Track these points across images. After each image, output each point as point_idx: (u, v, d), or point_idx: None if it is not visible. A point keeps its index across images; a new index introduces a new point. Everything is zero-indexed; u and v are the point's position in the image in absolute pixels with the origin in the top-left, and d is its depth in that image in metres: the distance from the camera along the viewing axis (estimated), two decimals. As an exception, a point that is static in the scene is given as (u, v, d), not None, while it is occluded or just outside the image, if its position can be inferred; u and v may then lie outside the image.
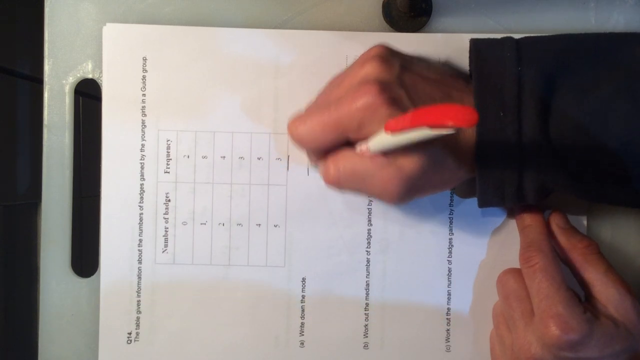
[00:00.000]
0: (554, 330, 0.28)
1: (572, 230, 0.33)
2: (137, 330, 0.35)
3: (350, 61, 0.35)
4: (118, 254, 0.35)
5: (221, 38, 0.35)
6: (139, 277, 0.35)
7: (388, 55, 0.29)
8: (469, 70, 0.31)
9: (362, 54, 0.30)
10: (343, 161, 0.29)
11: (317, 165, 0.33)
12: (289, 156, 0.35)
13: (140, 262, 0.35)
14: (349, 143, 0.30)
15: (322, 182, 0.35)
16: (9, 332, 0.45)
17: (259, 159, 0.35)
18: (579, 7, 0.35)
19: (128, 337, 0.35)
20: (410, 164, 0.28)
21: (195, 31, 0.35)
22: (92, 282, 0.36)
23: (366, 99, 0.27)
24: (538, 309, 0.29)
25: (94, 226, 0.36)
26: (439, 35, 0.35)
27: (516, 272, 0.32)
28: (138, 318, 0.35)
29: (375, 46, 0.30)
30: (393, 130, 0.25)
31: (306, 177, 0.35)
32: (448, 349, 0.35)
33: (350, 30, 0.35)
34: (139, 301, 0.35)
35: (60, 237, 0.36)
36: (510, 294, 0.31)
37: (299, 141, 0.30)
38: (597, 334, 0.28)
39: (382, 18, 0.35)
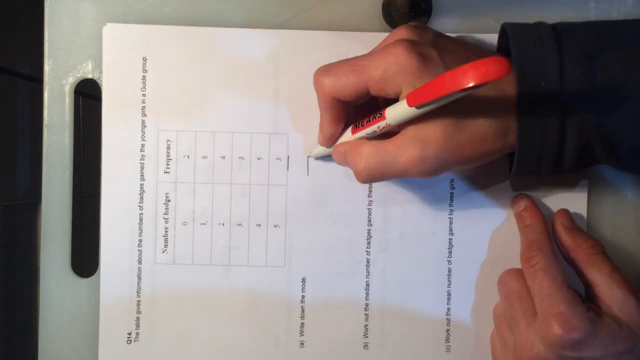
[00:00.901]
0: (556, 329, 0.28)
1: (577, 229, 0.33)
2: (137, 331, 0.35)
3: (350, 61, 0.35)
4: (118, 254, 0.35)
5: (221, 38, 0.35)
6: (139, 277, 0.35)
7: (422, 25, 0.30)
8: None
9: None
10: (365, 155, 0.29)
11: (326, 145, 0.33)
12: (289, 156, 0.35)
13: (140, 262, 0.35)
14: (370, 109, 0.29)
15: (321, 182, 0.35)
16: (9, 332, 0.45)
17: (259, 159, 0.35)
18: (579, 7, 0.35)
19: (128, 337, 0.35)
20: (434, 134, 0.27)
21: (195, 31, 0.35)
22: (92, 282, 0.36)
23: (393, 50, 0.27)
24: (540, 308, 0.29)
25: (94, 226, 0.36)
26: (439, 35, 0.35)
27: (517, 272, 0.32)
28: (138, 318, 0.35)
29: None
30: (417, 102, 0.24)
31: (306, 177, 0.35)
32: (448, 349, 0.35)
33: (350, 30, 0.35)
34: (139, 301, 0.35)
35: (60, 237, 0.36)
36: (512, 294, 0.31)
37: (321, 84, 0.29)
38: (600, 333, 0.28)
39: (382, 18, 0.35)
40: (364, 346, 0.35)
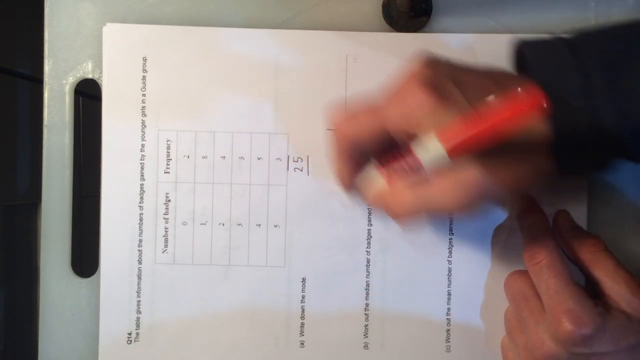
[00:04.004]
0: (566, 325, 0.28)
1: (579, 228, 0.33)
2: (137, 331, 0.35)
3: (350, 61, 0.35)
4: (118, 254, 0.35)
5: (221, 38, 0.35)
6: (139, 277, 0.35)
7: (432, 57, 0.29)
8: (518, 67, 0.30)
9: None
10: (400, 193, 0.28)
11: (349, 190, 0.32)
12: (288, 156, 0.35)
13: (140, 262, 0.35)
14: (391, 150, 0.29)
15: (321, 182, 0.35)
16: (9, 332, 0.45)
17: (259, 159, 0.35)
18: (579, 7, 0.35)
19: (128, 337, 0.35)
20: (474, 175, 0.26)
21: (195, 31, 0.35)
22: (92, 282, 0.36)
23: (410, 89, 0.27)
24: (548, 305, 0.29)
25: (94, 226, 0.36)
26: (439, 35, 0.35)
27: (521, 273, 0.32)
28: (138, 318, 0.35)
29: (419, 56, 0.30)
30: (455, 155, 0.23)
31: (306, 177, 0.35)
32: (448, 349, 0.35)
33: (350, 30, 0.35)
34: (139, 301, 0.35)
35: (60, 237, 0.36)
36: (518, 294, 0.31)
37: (342, 130, 0.29)
38: (610, 327, 0.28)
39: (382, 18, 0.35)
40: (364, 346, 0.35)
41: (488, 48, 0.34)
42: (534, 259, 0.31)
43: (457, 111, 0.26)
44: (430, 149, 0.26)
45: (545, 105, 0.20)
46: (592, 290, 0.30)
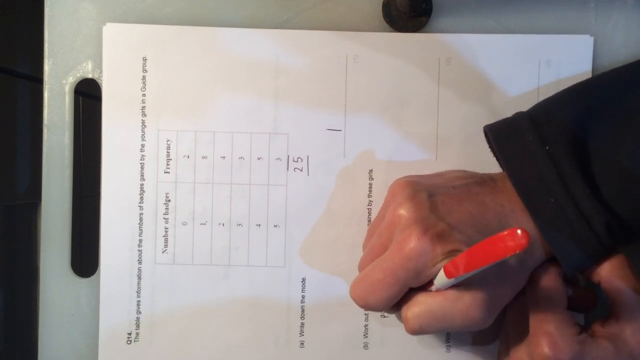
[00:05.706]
0: (543, 348, 0.27)
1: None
2: (137, 331, 0.35)
3: (350, 61, 0.35)
4: (118, 254, 0.35)
5: (221, 38, 0.35)
6: (139, 278, 0.35)
7: (411, 189, 0.30)
8: (496, 158, 0.31)
9: (387, 194, 0.31)
10: (417, 308, 0.29)
11: (391, 313, 0.33)
12: (288, 156, 0.35)
13: (140, 262, 0.35)
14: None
15: (321, 182, 0.35)
16: (9, 332, 0.45)
17: (259, 159, 0.35)
18: (579, 7, 0.35)
19: (128, 337, 0.35)
20: (483, 285, 0.28)
21: (195, 31, 0.35)
22: (92, 282, 0.36)
23: (412, 246, 0.27)
24: (531, 327, 0.29)
25: (94, 226, 0.36)
26: (439, 35, 0.35)
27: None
28: (138, 318, 0.35)
29: (395, 184, 0.31)
30: (453, 276, 0.25)
31: (306, 177, 0.35)
32: (448, 349, 0.35)
33: (350, 30, 0.35)
34: (139, 301, 0.35)
35: (60, 237, 0.36)
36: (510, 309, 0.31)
37: (368, 309, 0.30)
38: (590, 356, 0.27)
39: (382, 18, 0.35)
40: (364, 346, 0.35)
41: (488, 48, 0.34)
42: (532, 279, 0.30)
43: (453, 243, 0.27)
44: (440, 279, 0.27)
45: (526, 244, 0.22)
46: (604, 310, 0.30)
